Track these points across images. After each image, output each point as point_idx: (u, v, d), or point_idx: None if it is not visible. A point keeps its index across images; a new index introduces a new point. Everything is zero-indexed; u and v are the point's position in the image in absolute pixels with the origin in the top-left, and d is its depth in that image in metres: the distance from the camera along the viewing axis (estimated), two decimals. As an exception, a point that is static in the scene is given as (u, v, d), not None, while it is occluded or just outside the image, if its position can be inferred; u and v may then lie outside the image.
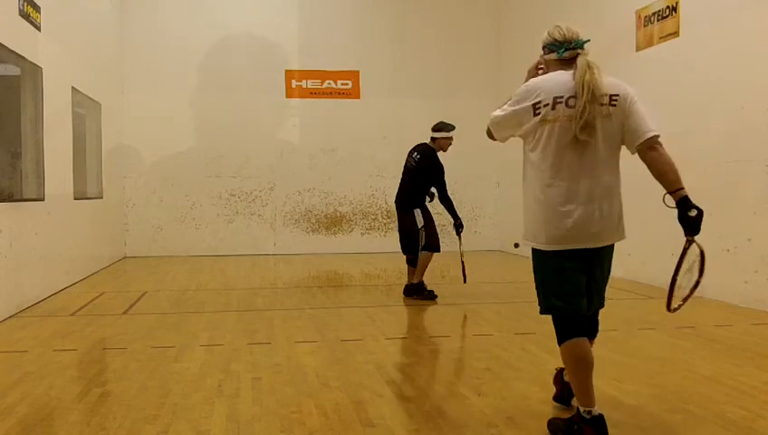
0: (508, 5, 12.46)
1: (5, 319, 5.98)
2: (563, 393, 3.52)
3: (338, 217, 12.42)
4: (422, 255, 7.06)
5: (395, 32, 12.55)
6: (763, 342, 5.08)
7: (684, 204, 3.16)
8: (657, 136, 3.08)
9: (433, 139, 7.10)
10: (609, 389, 3.82)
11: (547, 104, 3.00)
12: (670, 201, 3.21)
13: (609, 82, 3.09)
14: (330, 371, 4.29)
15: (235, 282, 8.75)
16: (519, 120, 3.07)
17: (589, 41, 3.22)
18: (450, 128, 7.09)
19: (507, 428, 3.24)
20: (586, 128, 2.95)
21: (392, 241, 11.22)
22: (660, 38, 7.85)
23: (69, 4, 8.45)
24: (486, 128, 3.28)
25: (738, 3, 6.74)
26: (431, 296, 6.99)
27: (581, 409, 3.00)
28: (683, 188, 3.16)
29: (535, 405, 3.58)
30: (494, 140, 3.33)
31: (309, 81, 12.38)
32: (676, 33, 7.57)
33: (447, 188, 7.11)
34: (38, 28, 7.12)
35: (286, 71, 12.31)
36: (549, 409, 3.48)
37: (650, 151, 3.11)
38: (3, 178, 6.69)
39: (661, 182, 3.15)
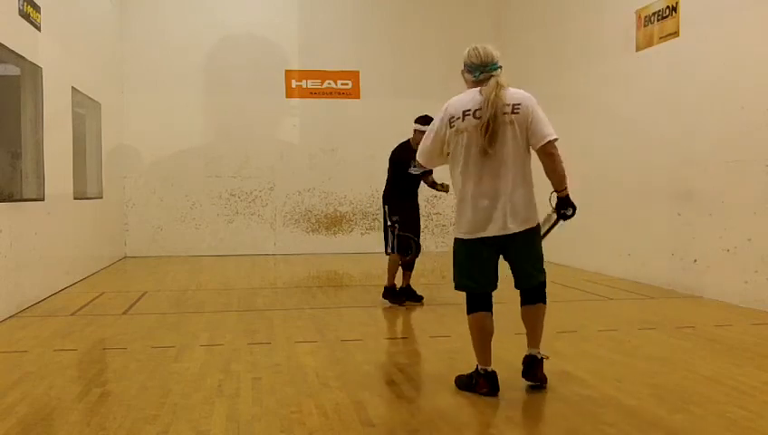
0: (508, 5, 12.46)
1: (5, 319, 5.98)
2: (531, 370, 3.88)
3: (338, 217, 12.42)
4: (390, 256, 6.73)
5: (395, 32, 12.55)
6: (763, 342, 5.08)
7: (562, 203, 3.75)
8: (554, 140, 3.63)
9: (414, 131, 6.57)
10: (609, 389, 3.83)
11: (458, 117, 3.62)
12: (553, 199, 3.80)
13: (511, 93, 3.62)
14: (330, 371, 4.29)
15: (235, 282, 8.75)
16: (441, 139, 3.70)
17: (501, 67, 3.69)
18: (427, 121, 6.70)
19: (507, 428, 3.24)
20: (491, 140, 3.53)
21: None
22: (660, 38, 7.85)
23: (69, 4, 8.45)
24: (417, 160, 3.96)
25: (738, 3, 6.74)
26: (399, 302, 6.71)
27: (479, 366, 3.73)
28: (565, 189, 3.73)
29: (535, 405, 3.58)
30: (425, 170, 4.16)
31: (309, 81, 12.37)
32: (676, 33, 7.57)
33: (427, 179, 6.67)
34: (38, 28, 7.12)
35: (286, 71, 12.30)
36: (549, 409, 3.48)
37: (546, 154, 3.64)
38: (3, 178, 6.69)
39: (550, 181, 3.72)
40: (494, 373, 3.72)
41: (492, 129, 3.51)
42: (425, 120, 6.41)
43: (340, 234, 12.41)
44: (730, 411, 3.44)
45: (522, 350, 3.98)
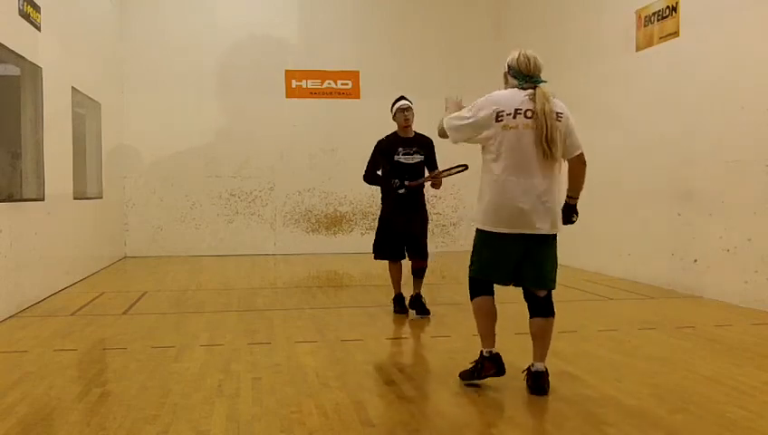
0: (508, 5, 12.46)
1: (5, 319, 5.98)
2: (539, 383, 3.87)
3: (338, 217, 12.42)
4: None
5: (395, 32, 12.55)
6: (763, 342, 5.08)
7: (572, 209, 3.95)
8: (583, 153, 3.87)
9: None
10: (610, 389, 3.83)
11: (509, 114, 3.72)
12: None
13: (557, 103, 3.79)
14: (330, 371, 4.29)
15: (235, 282, 8.75)
16: (480, 126, 3.79)
17: (546, 82, 3.84)
18: (397, 99, 6.38)
19: (507, 428, 3.24)
20: (551, 143, 3.66)
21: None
22: (660, 38, 7.85)
23: (69, 4, 8.45)
24: (439, 127, 4.02)
25: (738, 3, 6.74)
26: (399, 311, 6.22)
27: (484, 350, 3.87)
28: (577, 198, 3.94)
29: (535, 405, 3.58)
30: (445, 138, 4.02)
31: (309, 81, 12.38)
32: (676, 33, 7.57)
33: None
34: (38, 28, 7.12)
35: (286, 71, 12.30)
36: (549, 409, 3.48)
37: (580, 162, 3.87)
38: (3, 178, 6.69)
39: (572, 185, 3.94)
40: (498, 355, 3.84)
41: (552, 134, 3.65)
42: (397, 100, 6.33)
43: (340, 234, 12.41)
44: (730, 411, 3.44)
45: (522, 350, 3.98)
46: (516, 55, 3.83)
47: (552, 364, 3.96)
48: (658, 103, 7.87)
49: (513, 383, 3.96)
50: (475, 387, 3.89)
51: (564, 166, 3.87)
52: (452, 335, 5.35)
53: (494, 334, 3.90)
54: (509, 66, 3.87)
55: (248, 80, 12.10)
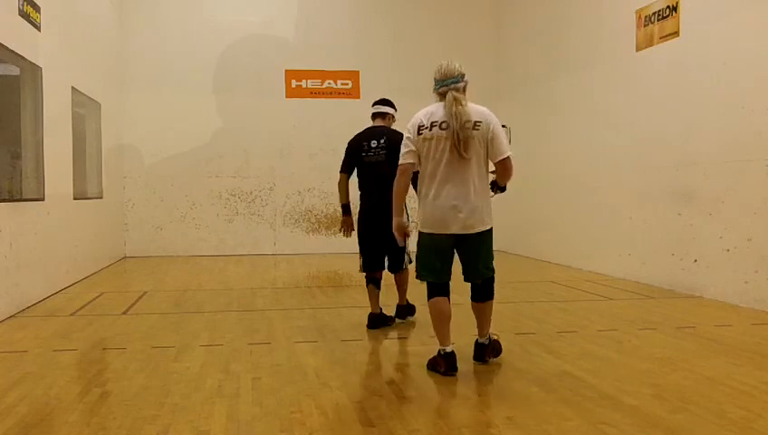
0: (508, 6, 12.47)
1: (5, 319, 5.98)
2: (479, 353, 4.42)
3: (338, 217, 12.36)
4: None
5: (395, 32, 12.56)
6: (763, 342, 5.08)
7: (502, 188, 4.39)
8: (509, 157, 4.11)
9: (384, 116, 6.35)
10: (610, 389, 3.83)
11: (426, 126, 4.10)
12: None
13: (474, 109, 4.09)
14: (330, 371, 4.29)
15: (235, 282, 8.74)
16: (413, 144, 4.13)
17: (457, 80, 4.14)
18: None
19: (507, 428, 3.24)
20: (465, 147, 3.98)
21: (392, 241, 11.24)
22: (660, 38, 7.85)
23: (69, 5, 8.45)
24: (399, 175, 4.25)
25: (738, 3, 6.74)
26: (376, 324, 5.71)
27: (440, 348, 4.15)
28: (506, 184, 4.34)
29: (535, 405, 3.58)
30: (404, 179, 4.24)
31: (309, 81, 12.38)
32: (676, 33, 7.57)
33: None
34: (38, 28, 7.12)
35: (286, 71, 12.31)
36: (549, 409, 3.48)
37: (501, 168, 4.16)
38: (3, 178, 6.69)
39: (499, 180, 4.30)
40: (452, 353, 4.13)
41: (461, 138, 3.98)
42: (384, 102, 6.37)
43: (341, 234, 12.39)
44: (730, 411, 3.44)
45: (522, 350, 3.98)
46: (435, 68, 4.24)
47: (552, 364, 3.95)
48: (658, 103, 7.87)
49: (513, 384, 3.96)
50: (476, 387, 3.89)
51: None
52: (452, 335, 5.34)
53: (448, 333, 4.16)
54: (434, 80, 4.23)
55: (248, 80, 12.11)
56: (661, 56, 7.83)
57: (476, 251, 4.18)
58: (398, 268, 5.74)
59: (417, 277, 4.29)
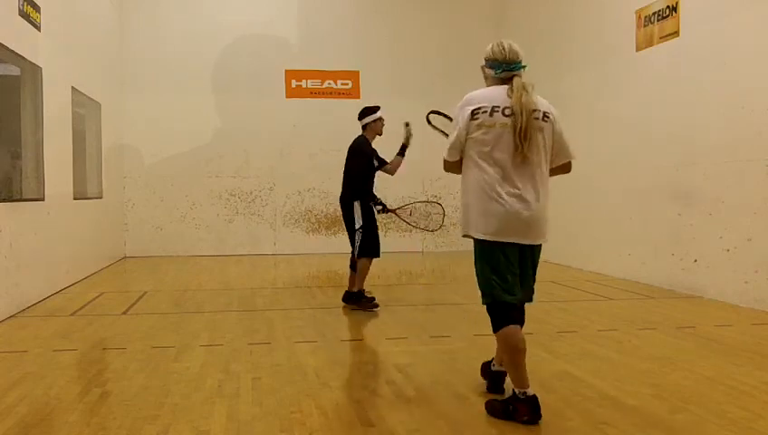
0: (508, 5, 12.47)
1: (5, 319, 5.98)
2: (493, 383, 3.82)
3: (338, 217, 12.33)
4: (359, 262, 6.44)
5: (395, 32, 12.56)
6: (763, 342, 5.08)
7: None
8: (571, 163, 3.59)
9: (364, 127, 6.60)
10: (609, 389, 3.82)
11: (486, 111, 3.36)
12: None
13: (541, 101, 3.45)
14: (330, 371, 4.29)
15: (235, 282, 8.74)
16: (464, 133, 3.41)
17: (526, 67, 3.52)
18: (375, 109, 6.62)
19: (507, 428, 3.24)
20: (531, 140, 3.33)
21: (391, 241, 11.24)
22: (660, 38, 7.85)
23: (69, 4, 8.44)
24: (443, 164, 3.58)
25: (738, 3, 6.74)
26: (372, 306, 6.44)
27: (517, 390, 3.32)
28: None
29: (535, 405, 3.58)
30: (453, 170, 3.57)
31: (309, 81, 12.38)
32: (676, 33, 7.57)
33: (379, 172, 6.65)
34: (38, 28, 7.12)
35: (286, 71, 12.31)
36: (549, 409, 3.48)
37: (564, 171, 3.62)
38: (3, 179, 6.69)
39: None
40: (534, 398, 3.28)
41: (528, 133, 3.30)
42: (371, 109, 6.63)
43: (341, 234, 12.35)
44: (730, 411, 3.44)
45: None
46: (490, 46, 3.59)
47: (552, 364, 3.96)
48: (658, 103, 7.87)
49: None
50: (476, 387, 3.89)
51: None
52: (452, 335, 5.35)
53: (525, 371, 3.34)
54: (485, 59, 3.60)
55: (248, 80, 12.11)
56: (661, 56, 7.83)
57: (534, 265, 3.51)
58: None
59: (483, 302, 3.47)
